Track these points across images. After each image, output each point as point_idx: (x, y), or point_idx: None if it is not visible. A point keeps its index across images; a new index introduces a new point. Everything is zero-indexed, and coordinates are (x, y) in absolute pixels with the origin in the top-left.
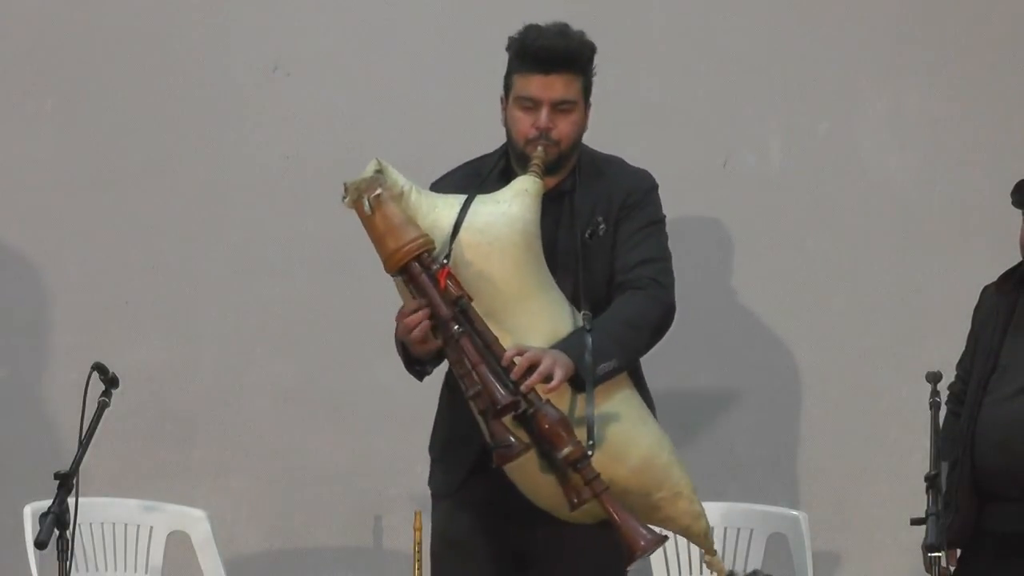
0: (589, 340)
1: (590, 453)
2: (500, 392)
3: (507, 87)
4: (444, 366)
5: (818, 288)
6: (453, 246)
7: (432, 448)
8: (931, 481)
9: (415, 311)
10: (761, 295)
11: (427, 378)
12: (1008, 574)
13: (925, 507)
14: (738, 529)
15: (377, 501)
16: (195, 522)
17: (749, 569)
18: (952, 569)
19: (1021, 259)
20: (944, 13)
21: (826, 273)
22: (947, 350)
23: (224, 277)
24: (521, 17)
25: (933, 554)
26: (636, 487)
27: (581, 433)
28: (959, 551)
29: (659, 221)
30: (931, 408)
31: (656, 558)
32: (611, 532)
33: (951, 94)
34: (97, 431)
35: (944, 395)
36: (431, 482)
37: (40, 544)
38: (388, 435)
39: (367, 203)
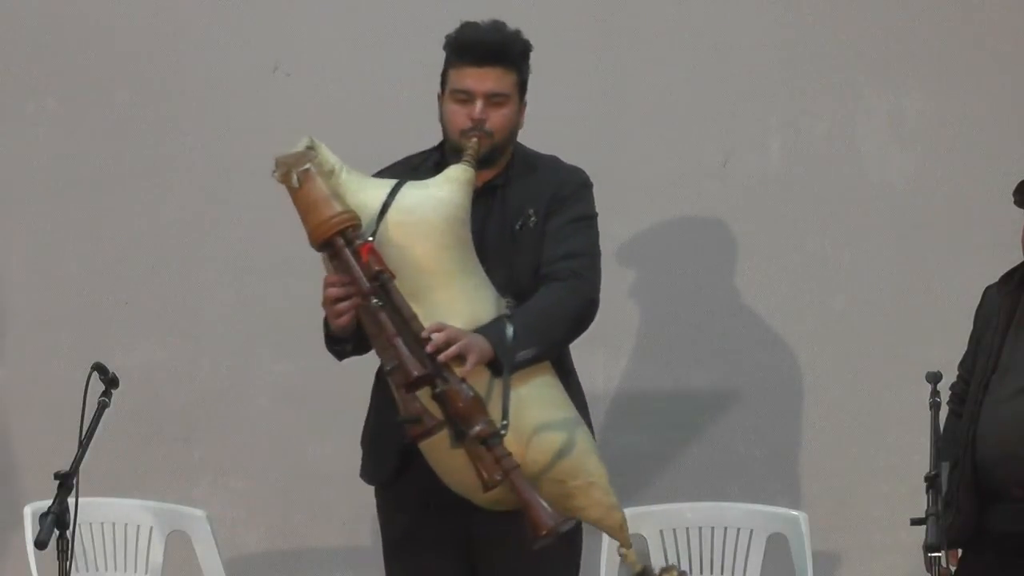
0: (510, 327)
1: (503, 433)
2: (415, 363)
3: (443, 82)
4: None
5: (818, 288)
6: (380, 225)
7: (363, 440)
8: (931, 481)
9: (335, 284)
10: (761, 295)
11: None
12: (1009, 574)
13: (925, 507)
14: (738, 529)
15: None
16: (195, 522)
17: (689, 570)
18: (953, 569)
19: (1022, 259)
20: (944, 13)
21: (826, 273)
22: (947, 350)
23: (224, 277)
24: (522, 18)
25: (933, 554)
26: (550, 473)
27: (496, 416)
28: (960, 551)
29: (589, 217)
30: (931, 408)
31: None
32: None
33: (951, 94)
34: (97, 431)
35: (945, 395)
36: (363, 473)
37: (40, 544)
38: None
39: (295, 177)
